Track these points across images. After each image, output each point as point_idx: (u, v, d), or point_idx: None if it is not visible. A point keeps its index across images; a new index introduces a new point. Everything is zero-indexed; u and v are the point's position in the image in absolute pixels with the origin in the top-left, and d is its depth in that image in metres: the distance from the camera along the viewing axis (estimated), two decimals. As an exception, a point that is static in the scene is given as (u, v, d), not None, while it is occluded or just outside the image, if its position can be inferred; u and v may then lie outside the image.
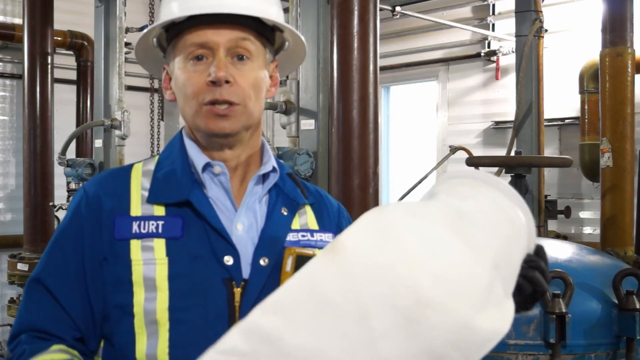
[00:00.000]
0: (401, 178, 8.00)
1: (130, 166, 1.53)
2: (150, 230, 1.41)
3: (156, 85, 8.60)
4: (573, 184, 6.78)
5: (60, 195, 5.80)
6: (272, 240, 1.46)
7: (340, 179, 3.15)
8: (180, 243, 1.41)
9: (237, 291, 1.40)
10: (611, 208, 4.94)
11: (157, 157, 1.54)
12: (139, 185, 1.47)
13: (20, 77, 6.40)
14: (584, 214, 6.75)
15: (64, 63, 7.39)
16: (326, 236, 1.54)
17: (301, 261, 1.38)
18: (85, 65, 7.46)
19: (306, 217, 1.55)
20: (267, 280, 1.42)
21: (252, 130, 1.49)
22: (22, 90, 5.80)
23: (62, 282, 1.43)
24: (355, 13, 3.14)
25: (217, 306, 1.39)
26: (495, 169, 5.81)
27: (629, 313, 3.48)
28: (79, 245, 1.44)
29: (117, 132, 5.08)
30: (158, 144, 8.64)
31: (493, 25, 7.39)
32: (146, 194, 1.46)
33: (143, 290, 1.39)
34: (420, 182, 5.62)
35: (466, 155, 5.22)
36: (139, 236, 1.41)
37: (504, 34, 7.12)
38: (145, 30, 1.52)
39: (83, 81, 7.50)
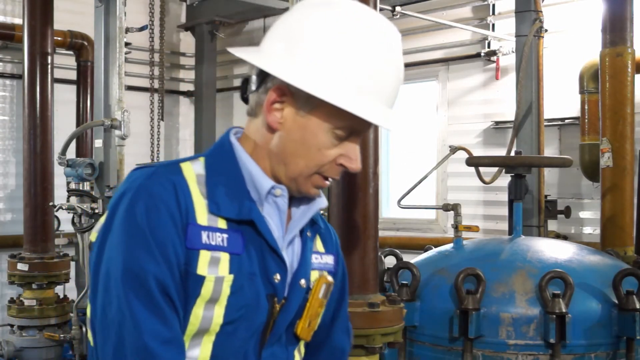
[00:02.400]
0: (401, 178, 8.00)
1: (178, 166, 1.45)
2: (218, 243, 1.41)
3: (156, 85, 8.61)
4: (573, 184, 6.78)
5: (60, 195, 5.79)
6: (306, 262, 1.53)
7: (340, 179, 3.15)
8: (240, 260, 1.42)
9: (277, 307, 1.46)
10: (611, 208, 4.94)
11: (203, 160, 1.48)
12: (198, 191, 1.42)
13: (20, 77, 6.40)
14: (584, 214, 6.75)
15: (64, 63, 7.39)
16: (329, 258, 1.63)
17: (329, 289, 1.54)
18: (85, 65, 7.46)
19: (316, 239, 1.62)
20: (302, 300, 1.51)
21: None
22: (22, 90, 5.79)
23: (169, 279, 1.35)
24: (355, 13, 3.14)
25: (259, 320, 1.45)
26: (495, 169, 5.81)
27: (629, 313, 3.48)
28: (177, 245, 1.37)
29: (117, 132, 5.08)
30: (158, 144, 8.64)
31: (493, 25, 7.38)
32: (206, 202, 1.42)
33: (204, 304, 1.40)
34: (420, 182, 5.62)
35: (466, 155, 5.22)
36: (209, 248, 1.39)
37: (504, 34, 7.11)
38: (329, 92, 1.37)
39: (83, 81, 7.49)
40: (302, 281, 1.50)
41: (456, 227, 4.24)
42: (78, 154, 7.13)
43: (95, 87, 5.55)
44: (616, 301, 3.53)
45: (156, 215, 1.36)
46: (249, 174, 1.45)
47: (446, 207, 4.46)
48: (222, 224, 1.42)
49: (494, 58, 7.27)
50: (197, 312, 1.40)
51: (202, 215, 1.40)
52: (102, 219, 1.44)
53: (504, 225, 6.03)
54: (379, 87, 1.39)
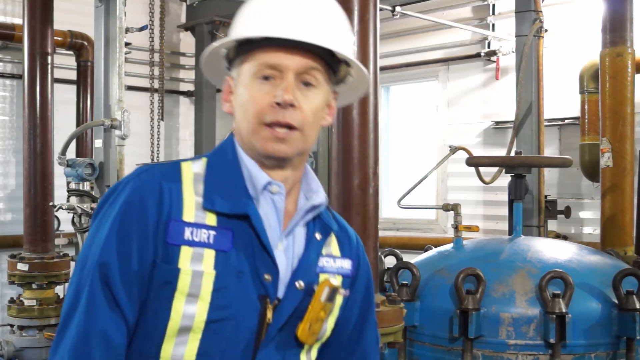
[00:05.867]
0: (401, 178, 8.00)
1: (179, 166, 1.50)
2: (202, 240, 1.42)
3: (156, 85, 8.60)
4: (573, 184, 6.78)
5: (60, 195, 5.80)
6: (308, 265, 1.50)
7: (340, 179, 3.15)
8: (227, 257, 1.42)
9: (270, 308, 1.44)
10: (611, 208, 4.95)
11: (205, 160, 1.52)
12: (192, 189, 1.46)
13: (20, 77, 6.40)
14: (584, 214, 6.75)
15: (64, 63, 7.39)
16: (346, 262, 1.60)
17: (333, 293, 1.48)
18: (85, 65, 7.46)
19: (330, 243, 1.59)
20: (300, 303, 1.48)
21: (303, 155, 1.52)
22: (22, 90, 5.79)
23: (127, 275, 1.39)
24: (355, 13, 3.14)
25: (249, 321, 1.43)
26: (495, 169, 5.81)
27: (629, 313, 3.48)
28: (144, 239, 1.41)
29: (117, 132, 5.09)
30: (158, 144, 8.63)
31: (493, 25, 7.39)
32: (200, 200, 1.45)
33: (185, 298, 1.40)
34: (420, 182, 5.62)
35: (466, 155, 5.22)
36: (191, 244, 1.41)
37: (504, 34, 7.12)
38: (219, 42, 1.51)
39: (83, 81, 7.49)
40: (300, 283, 1.48)
41: (456, 227, 4.24)
42: (78, 154, 7.13)
43: (95, 87, 5.56)
44: (616, 301, 3.53)
45: (129, 210, 1.41)
46: (247, 170, 1.48)
47: (446, 207, 4.46)
48: (211, 221, 1.44)
49: (494, 58, 7.28)
50: (178, 307, 1.40)
51: (189, 212, 1.43)
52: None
53: (504, 225, 6.03)
54: (267, 14, 1.46)
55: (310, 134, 1.48)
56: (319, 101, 1.49)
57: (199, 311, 1.40)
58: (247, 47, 1.47)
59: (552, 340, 3.42)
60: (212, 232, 1.42)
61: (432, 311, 3.71)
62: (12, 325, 5.63)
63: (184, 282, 1.40)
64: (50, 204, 5.48)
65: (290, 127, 1.44)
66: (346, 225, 1.67)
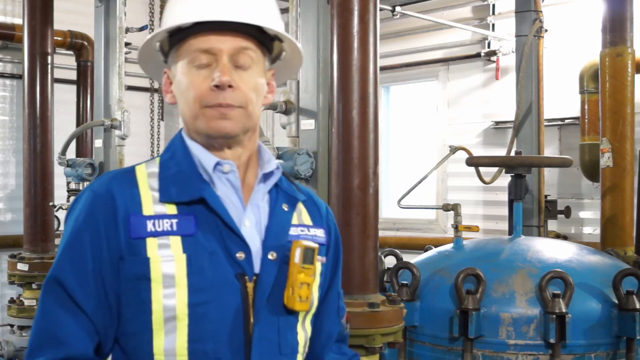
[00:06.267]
0: (401, 178, 8.00)
1: (133, 168, 1.55)
2: (165, 229, 1.45)
3: (156, 85, 8.60)
4: (573, 184, 6.78)
5: (60, 195, 5.80)
6: (277, 235, 1.52)
7: (340, 179, 3.15)
8: (195, 240, 1.45)
9: (250, 285, 1.46)
10: (611, 208, 4.94)
11: (158, 159, 1.56)
12: (147, 186, 1.50)
13: (20, 77, 6.40)
14: (584, 214, 6.75)
15: (64, 63, 7.39)
16: (319, 231, 1.62)
17: (307, 253, 1.49)
18: (85, 65, 7.46)
19: (301, 213, 1.61)
20: (277, 273, 1.49)
21: (250, 133, 1.54)
22: (22, 90, 5.79)
23: (81, 283, 1.44)
24: (355, 13, 3.14)
25: (232, 300, 1.44)
26: (495, 169, 5.81)
27: (629, 313, 3.48)
28: (96, 245, 1.45)
29: (117, 132, 5.08)
30: (158, 144, 8.63)
31: (493, 25, 7.39)
32: (156, 194, 1.48)
33: (161, 286, 1.43)
34: (420, 182, 5.62)
35: (466, 155, 5.22)
36: (155, 234, 1.44)
37: (504, 34, 7.12)
38: (151, 35, 1.54)
39: (83, 81, 7.49)
40: (273, 254, 1.49)
41: (456, 227, 4.24)
42: (78, 154, 7.13)
43: (95, 87, 5.56)
44: (616, 301, 3.53)
45: (83, 218, 1.47)
46: (197, 157, 1.52)
47: (446, 207, 4.46)
48: (171, 210, 1.47)
49: (494, 58, 7.28)
50: (157, 297, 1.42)
51: (148, 207, 1.47)
52: None
53: (504, 225, 6.03)
54: (194, 1, 1.49)
55: (254, 111, 1.51)
56: (256, 79, 1.52)
57: (179, 297, 1.42)
58: (179, 36, 1.50)
59: (552, 340, 3.42)
60: (174, 220, 1.46)
61: (432, 311, 3.71)
62: (12, 325, 5.63)
63: (156, 271, 1.42)
64: (50, 204, 5.48)
65: (231, 107, 1.47)
66: (314, 196, 1.70)
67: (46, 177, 5.69)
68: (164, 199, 1.47)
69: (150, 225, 1.45)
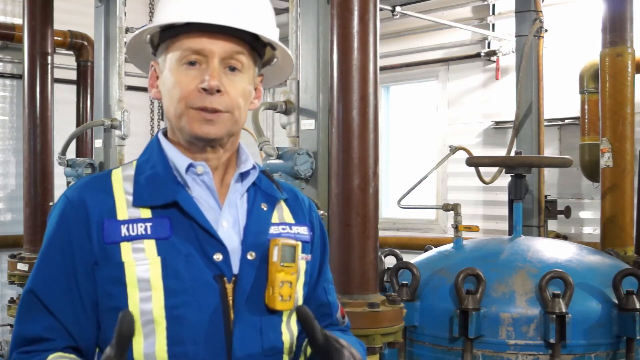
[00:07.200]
0: (401, 178, 8.00)
1: (109, 172, 1.54)
2: (139, 232, 1.44)
3: (156, 85, 8.61)
4: (573, 184, 6.78)
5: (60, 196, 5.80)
6: (256, 235, 1.50)
7: (340, 179, 3.15)
8: (170, 243, 1.44)
9: (229, 286, 1.45)
10: (611, 208, 4.94)
11: (134, 162, 1.55)
12: (121, 190, 1.48)
13: (20, 77, 6.40)
14: (584, 214, 6.75)
15: (64, 63, 7.39)
16: (302, 229, 1.60)
17: (286, 251, 1.47)
18: (85, 65, 7.46)
19: (282, 212, 1.60)
20: (257, 273, 1.47)
21: (234, 136, 1.54)
22: (22, 90, 5.79)
23: (54, 293, 1.44)
24: (355, 13, 3.14)
25: (211, 302, 1.43)
26: (495, 169, 5.81)
27: (629, 313, 3.48)
28: (67, 253, 1.45)
29: (117, 132, 5.08)
30: (158, 144, 8.63)
31: (493, 25, 7.39)
32: (130, 198, 1.47)
33: (137, 290, 1.41)
34: (420, 182, 5.62)
35: (466, 155, 5.22)
36: (129, 238, 1.43)
37: (504, 34, 7.11)
38: (142, 28, 1.54)
39: (83, 81, 7.49)
40: (251, 253, 1.48)
41: (456, 227, 4.25)
42: (78, 154, 7.13)
43: (95, 87, 5.56)
44: (616, 301, 3.53)
45: (54, 227, 1.47)
46: (171, 159, 1.51)
47: (446, 207, 4.46)
48: (145, 214, 1.46)
49: (494, 58, 7.28)
50: (134, 301, 1.41)
51: (122, 211, 1.45)
52: None
53: (504, 225, 6.03)
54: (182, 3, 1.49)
55: (240, 116, 1.50)
56: (245, 85, 1.50)
57: (155, 300, 1.40)
58: (171, 32, 1.49)
59: (552, 340, 3.42)
60: (149, 224, 1.44)
61: (432, 311, 3.71)
62: (12, 325, 5.63)
63: (131, 275, 1.41)
64: (50, 203, 5.48)
65: (217, 112, 1.46)
66: (298, 192, 1.68)
67: (46, 177, 5.69)
68: (138, 202, 1.46)
69: (124, 230, 1.43)
